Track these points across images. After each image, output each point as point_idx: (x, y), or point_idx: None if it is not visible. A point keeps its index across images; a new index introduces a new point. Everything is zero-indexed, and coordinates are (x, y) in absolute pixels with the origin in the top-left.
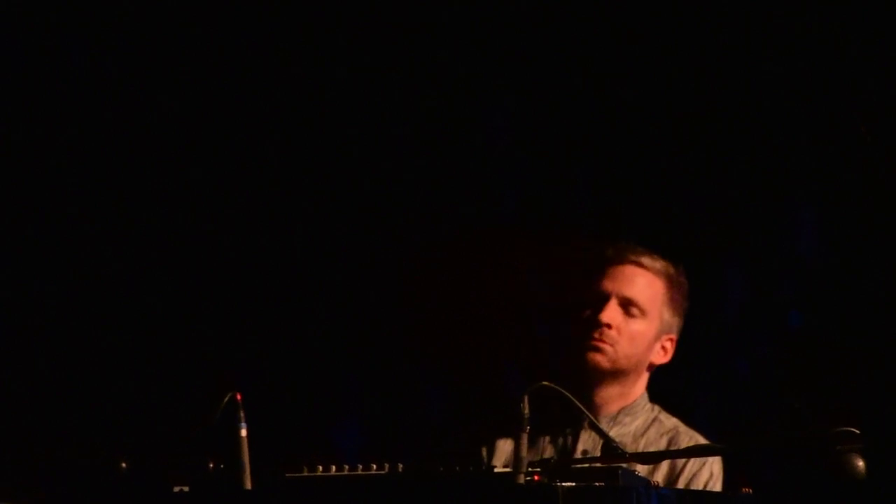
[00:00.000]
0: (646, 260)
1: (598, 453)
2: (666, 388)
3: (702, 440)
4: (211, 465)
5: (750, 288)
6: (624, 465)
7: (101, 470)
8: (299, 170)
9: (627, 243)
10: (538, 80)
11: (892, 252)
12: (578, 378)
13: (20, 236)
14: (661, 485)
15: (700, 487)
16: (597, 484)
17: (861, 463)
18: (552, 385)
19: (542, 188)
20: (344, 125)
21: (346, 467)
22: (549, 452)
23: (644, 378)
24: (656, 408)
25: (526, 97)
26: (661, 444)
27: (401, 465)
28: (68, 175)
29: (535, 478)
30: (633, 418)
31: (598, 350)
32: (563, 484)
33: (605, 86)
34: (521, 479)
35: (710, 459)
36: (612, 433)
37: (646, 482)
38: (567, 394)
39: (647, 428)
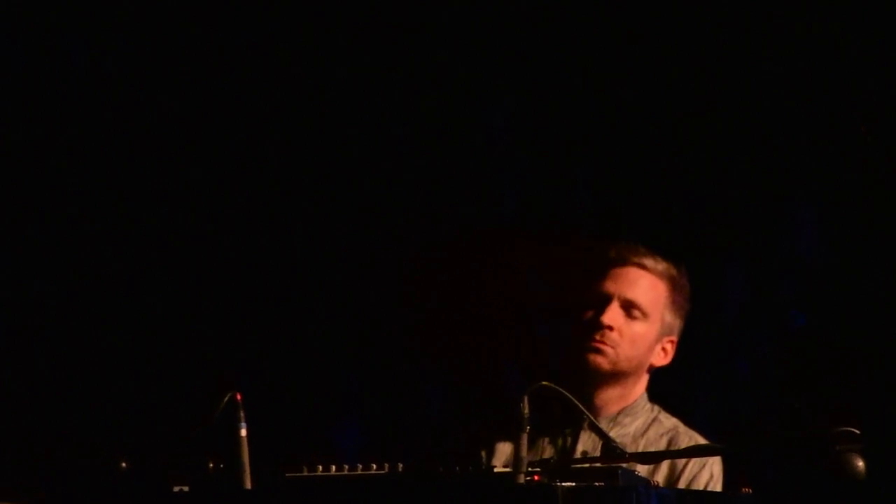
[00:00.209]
0: (648, 262)
1: (597, 454)
2: (666, 388)
3: (701, 440)
4: (211, 465)
5: (750, 288)
6: (624, 466)
7: (101, 470)
8: (299, 170)
9: (630, 244)
10: (538, 80)
11: (892, 252)
12: (579, 379)
13: (20, 236)
14: (662, 486)
15: (700, 488)
16: (596, 484)
17: (861, 463)
18: (552, 385)
19: (542, 188)
20: (344, 125)
21: (346, 467)
22: (548, 453)
23: (644, 379)
24: (656, 408)
25: (526, 97)
26: (661, 445)
27: (401, 466)
28: (68, 175)
29: (535, 478)
30: (633, 419)
31: (599, 352)
32: (563, 484)
33: (605, 86)
34: (521, 479)
35: (711, 461)
36: (612, 434)
37: (646, 482)
38: (567, 394)
39: (647, 428)
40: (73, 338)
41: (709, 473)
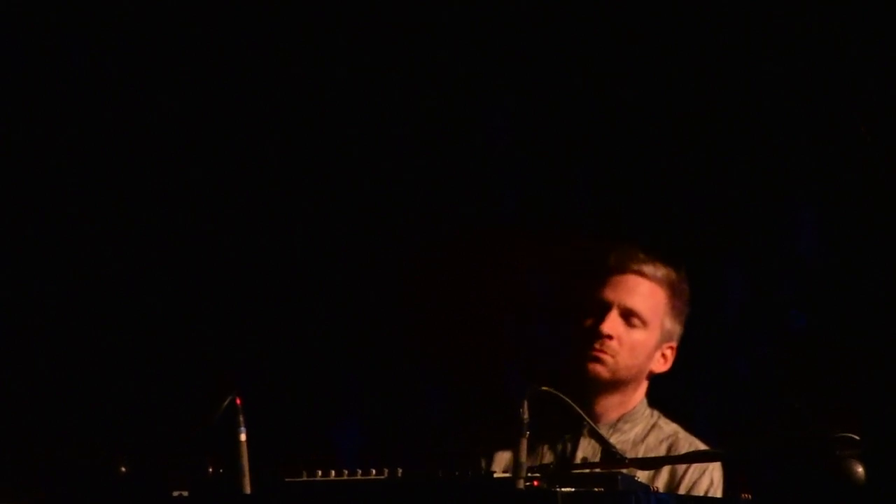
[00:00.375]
0: (648, 269)
1: (597, 460)
2: (666, 388)
3: (701, 446)
4: (210, 470)
5: (750, 288)
6: (623, 471)
7: (100, 474)
8: (299, 170)
9: (630, 250)
10: (538, 80)
11: (892, 252)
12: (578, 387)
13: (20, 236)
14: (662, 492)
15: (700, 495)
16: (596, 489)
17: (860, 469)
18: (552, 390)
19: (542, 188)
20: (344, 125)
21: (346, 472)
22: (548, 459)
23: (643, 386)
24: (655, 413)
25: (526, 97)
26: (661, 451)
27: (400, 470)
28: (68, 175)
29: (535, 483)
30: (633, 425)
31: (599, 361)
32: (563, 489)
33: (605, 86)
34: (521, 484)
35: (710, 467)
36: (612, 440)
37: (645, 487)
38: (567, 399)
39: (647, 434)
40: (73, 338)
41: (709, 480)
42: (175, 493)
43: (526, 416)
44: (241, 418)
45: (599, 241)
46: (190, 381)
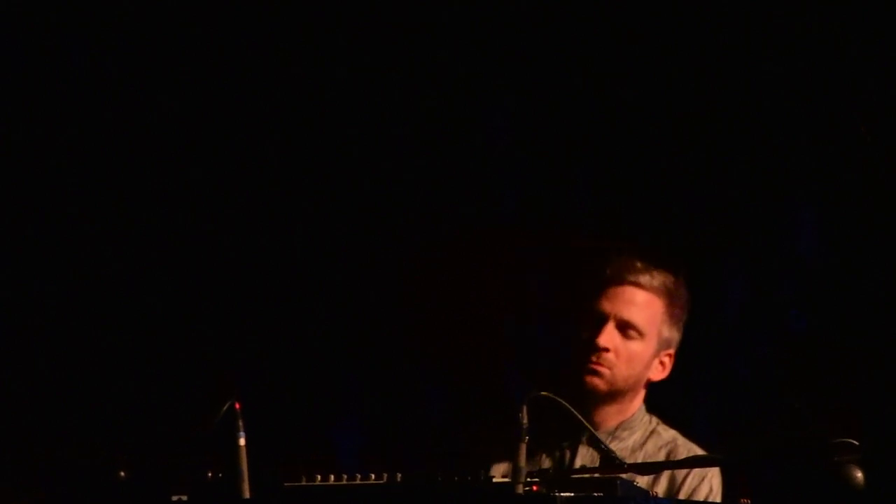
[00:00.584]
0: (644, 279)
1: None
2: (666, 390)
3: (700, 452)
4: (209, 474)
5: (750, 288)
6: (623, 476)
7: (99, 478)
8: (299, 170)
9: (627, 260)
10: (538, 80)
11: (892, 252)
12: (576, 397)
13: (20, 236)
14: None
15: (699, 501)
16: (595, 494)
17: (860, 474)
18: (551, 396)
19: (542, 188)
20: (344, 125)
21: (345, 476)
22: (546, 466)
23: (641, 393)
24: (654, 419)
25: (526, 97)
26: (660, 457)
27: (399, 475)
28: (68, 175)
29: (534, 488)
30: (631, 432)
31: (596, 374)
32: (562, 494)
33: (605, 86)
34: (520, 489)
35: (710, 474)
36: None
37: (644, 493)
38: (566, 405)
39: (646, 441)
40: (73, 338)
41: (708, 487)
42: (174, 498)
43: (525, 420)
44: (241, 423)
45: (599, 241)
46: (189, 383)
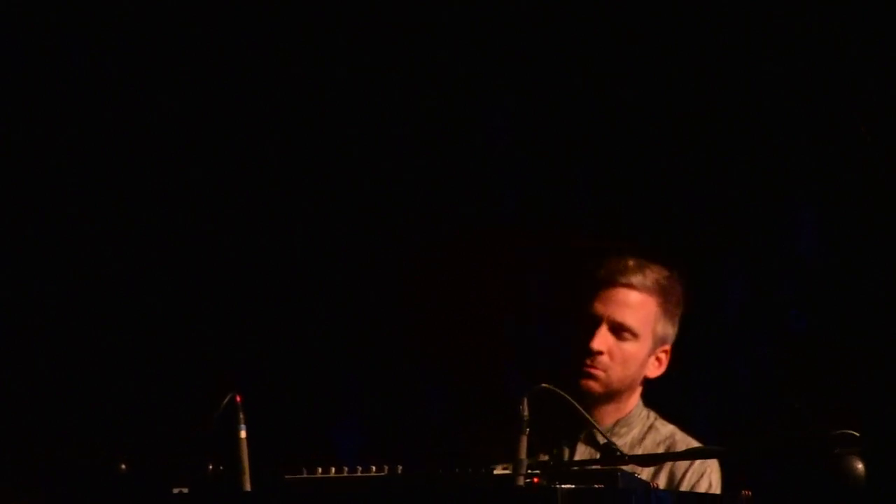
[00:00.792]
0: (637, 279)
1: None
2: (666, 388)
3: (698, 446)
4: (210, 467)
5: (750, 288)
6: (623, 468)
7: (100, 471)
8: (299, 170)
9: (618, 261)
10: (538, 80)
11: (892, 252)
12: (573, 398)
13: (20, 236)
14: None
15: None
16: (596, 486)
17: (861, 466)
18: (552, 388)
19: (542, 188)
20: (344, 125)
21: (346, 469)
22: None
23: (638, 390)
24: (652, 414)
25: (526, 97)
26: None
27: (400, 467)
28: (68, 175)
29: (535, 480)
30: (629, 429)
31: (591, 377)
32: (563, 486)
33: (605, 86)
34: (521, 481)
35: (709, 469)
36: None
37: (645, 484)
38: (567, 396)
39: (644, 437)
40: (73, 338)
41: (707, 482)
42: (175, 490)
43: (526, 413)
44: (242, 416)
45: (599, 241)
46: (190, 379)
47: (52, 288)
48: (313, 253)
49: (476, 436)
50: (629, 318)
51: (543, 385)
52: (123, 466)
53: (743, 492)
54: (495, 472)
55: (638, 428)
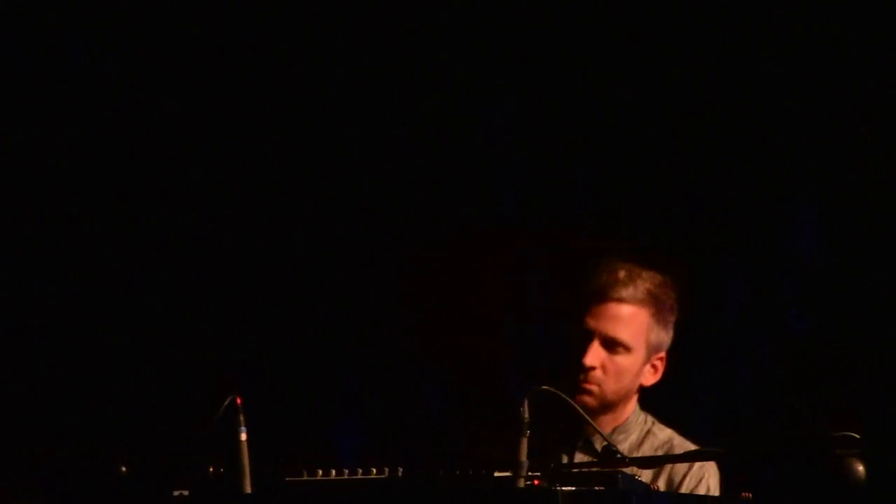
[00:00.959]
0: (627, 292)
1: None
2: (666, 389)
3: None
4: (211, 469)
5: (750, 288)
6: (624, 470)
7: (100, 473)
8: (299, 170)
9: (608, 274)
10: (538, 80)
11: (892, 252)
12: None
13: (20, 236)
14: None
15: None
16: (597, 488)
17: (861, 467)
18: (552, 390)
19: (542, 188)
20: (344, 125)
21: (346, 471)
22: None
23: (635, 398)
24: (649, 419)
25: (526, 97)
26: None
27: (400, 470)
28: (68, 175)
29: (535, 482)
30: (627, 435)
31: (585, 392)
32: (563, 488)
33: (605, 86)
34: (522, 483)
35: (707, 475)
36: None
37: (645, 486)
38: (567, 398)
39: (642, 442)
40: (73, 338)
41: (705, 488)
42: (176, 493)
43: (526, 415)
44: (242, 418)
45: (599, 241)
46: (190, 381)
47: (52, 288)
48: (313, 253)
49: (476, 436)
50: (621, 332)
51: (544, 387)
52: (124, 468)
53: (743, 493)
54: (496, 474)
55: (636, 433)
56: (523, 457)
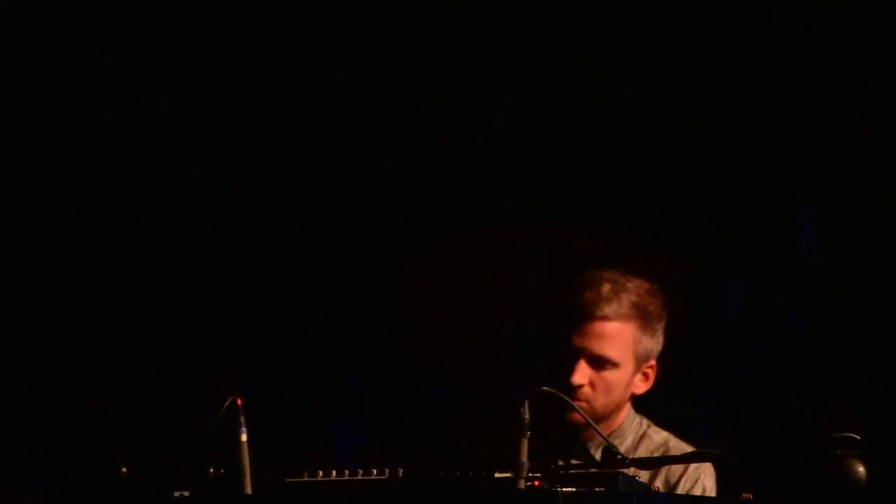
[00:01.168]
0: (611, 309)
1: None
2: (666, 389)
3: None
4: (211, 470)
5: (750, 288)
6: (624, 471)
7: (101, 474)
8: (299, 170)
9: (591, 292)
10: (538, 80)
11: (892, 252)
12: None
13: (20, 236)
14: None
15: None
16: (597, 489)
17: (861, 468)
18: (553, 391)
19: (542, 188)
20: (344, 125)
21: (347, 472)
22: None
23: (627, 405)
24: (644, 421)
25: (526, 97)
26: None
27: (401, 470)
28: (68, 175)
29: (536, 483)
30: (623, 439)
31: (576, 409)
32: (564, 489)
33: (605, 86)
34: (522, 484)
35: (702, 476)
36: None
37: (646, 487)
38: (567, 399)
39: (637, 445)
40: (73, 338)
41: (701, 488)
42: (176, 494)
43: (527, 416)
44: (242, 419)
45: (599, 241)
46: (191, 381)
47: (52, 288)
48: (313, 253)
49: (476, 436)
50: (607, 349)
51: (544, 388)
52: (124, 469)
53: (743, 494)
54: (496, 475)
55: (631, 437)
56: (524, 457)
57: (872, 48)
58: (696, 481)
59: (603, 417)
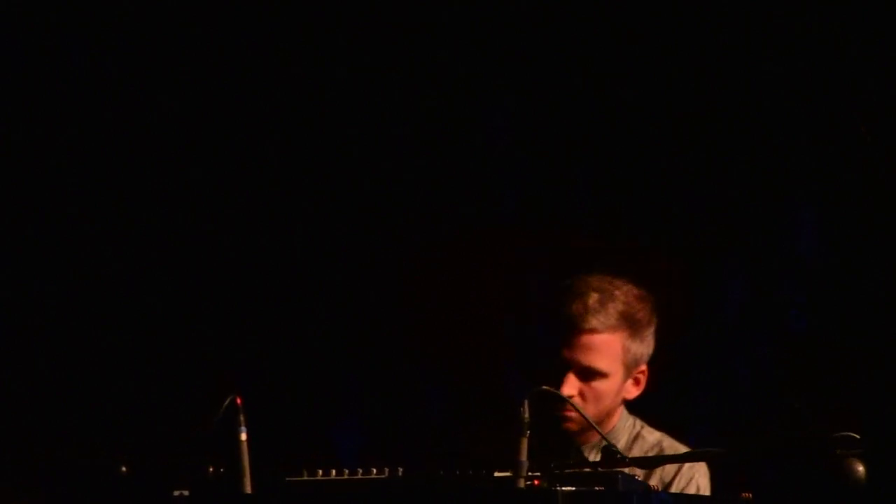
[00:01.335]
0: (597, 321)
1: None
2: (666, 389)
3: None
4: (211, 469)
5: (750, 288)
6: (624, 470)
7: (101, 474)
8: (299, 170)
9: (578, 304)
10: (538, 80)
11: (892, 252)
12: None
13: (20, 236)
14: None
15: None
16: (597, 488)
17: (861, 468)
18: (552, 390)
19: (542, 188)
20: (344, 125)
21: (346, 471)
22: None
23: (619, 409)
24: (638, 422)
25: (526, 97)
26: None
27: (401, 470)
28: (68, 175)
29: (535, 482)
30: (616, 442)
31: (567, 419)
32: (564, 488)
33: (605, 86)
34: (522, 483)
35: (696, 474)
36: (598, 460)
37: (645, 486)
38: (567, 399)
39: (631, 446)
40: (73, 338)
41: (695, 487)
42: (176, 493)
43: (526, 415)
44: (242, 418)
45: (599, 241)
46: (190, 381)
47: (52, 288)
48: (313, 253)
49: (476, 436)
50: (595, 361)
51: (544, 387)
52: (124, 468)
53: (743, 494)
54: (496, 474)
55: (624, 438)
56: (523, 457)
57: (872, 48)
58: (691, 480)
59: (596, 423)
